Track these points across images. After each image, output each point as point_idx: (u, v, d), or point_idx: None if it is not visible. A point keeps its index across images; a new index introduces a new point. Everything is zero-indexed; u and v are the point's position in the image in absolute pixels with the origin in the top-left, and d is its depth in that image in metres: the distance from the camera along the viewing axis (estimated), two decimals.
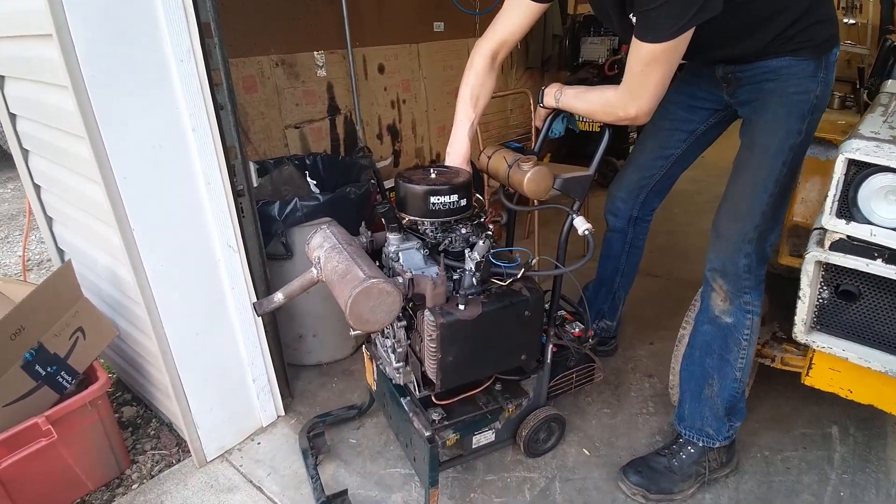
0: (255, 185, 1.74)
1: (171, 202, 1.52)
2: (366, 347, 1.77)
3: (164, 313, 1.58)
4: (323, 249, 1.41)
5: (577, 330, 1.82)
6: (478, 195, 1.61)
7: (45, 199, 2.00)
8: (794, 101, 1.31)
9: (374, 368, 1.76)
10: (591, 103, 1.41)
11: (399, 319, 1.41)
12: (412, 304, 1.43)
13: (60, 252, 2.10)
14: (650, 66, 1.22)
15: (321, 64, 2.59)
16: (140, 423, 2.06)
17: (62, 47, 1.26)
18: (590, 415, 1.97)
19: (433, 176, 1.43)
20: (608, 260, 1.99)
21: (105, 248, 1.70)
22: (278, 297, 1.41)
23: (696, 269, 3.07)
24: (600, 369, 1.89)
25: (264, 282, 1.86)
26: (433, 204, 1.38)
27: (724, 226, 1.43)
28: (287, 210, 1.89)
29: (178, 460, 1.87)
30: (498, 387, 1.60)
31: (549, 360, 1.66)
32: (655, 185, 1.81)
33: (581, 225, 1.44)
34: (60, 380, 1.63)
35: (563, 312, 1.85)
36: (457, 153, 1.56)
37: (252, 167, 1.71)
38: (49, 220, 2.04)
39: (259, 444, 1.90)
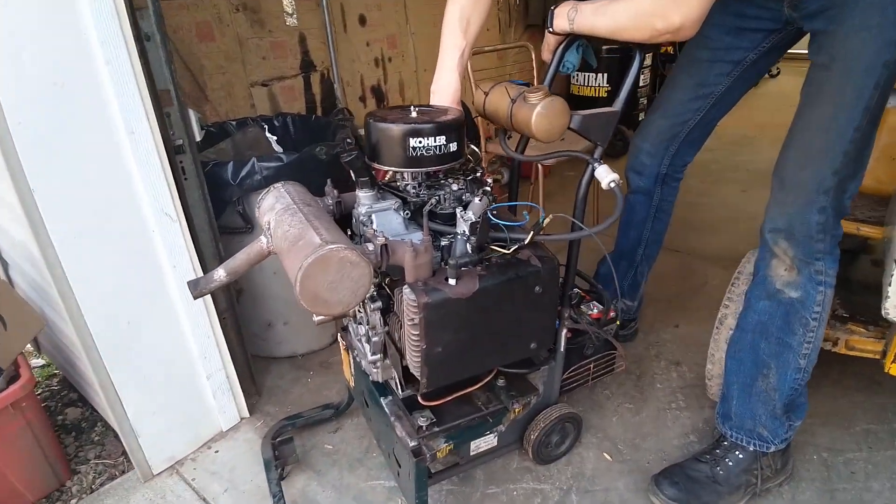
0: (198, 137, 1.41)
1: (81, 156, 1.19)
2: (341, 336, 1.46)
3: (81, 296, 1.26)
4: (274, 212, 1.10)
5: (595, 311, 1.51)
6: (473, 147, 1.30)
7: None
8: (890, 0, 0.98)
9: (351, 361, 1.45)
10: (618, 17, 1.07)
11: (373, 300, 1.10)
12: (389, 280, 1.11)
13: None
14: None
15: (291, 11, 2.25)
16: (84, 427, 1.76)
17: None
18: (609, 411, 1.67)
19: (414, 115, 1.11)
20: (630, 227, 1.68)
21: (14, 218, 1.38)
22: (219, 273, 1.09)
23: (718, 242, 2.78)
24: (623, 357, 1.58)
25: (217, 258, 1.54)
26: (414, 149, 1.05)
27: (792, 172, 1.11)
28: (243, 172, 1.57)
29: (123, 472, 1.57)
30: (501, 382, 1.29)
31: (562, 349, 1.36)
32: (689, 134, 1.49)
33: (605, 175, 1.12)
34: None
35: (577, 290, 1.53)
36: (444, 91, 1.23)
37: (194, 117, 1.38)
38: None
39: (216, 452, 1.60)
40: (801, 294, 1.16)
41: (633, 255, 1.72)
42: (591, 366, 1.53)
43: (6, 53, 1.06)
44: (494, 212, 1.04)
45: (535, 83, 2.55)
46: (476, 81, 2.16)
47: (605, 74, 3.67)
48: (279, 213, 1.08)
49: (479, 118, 1.35)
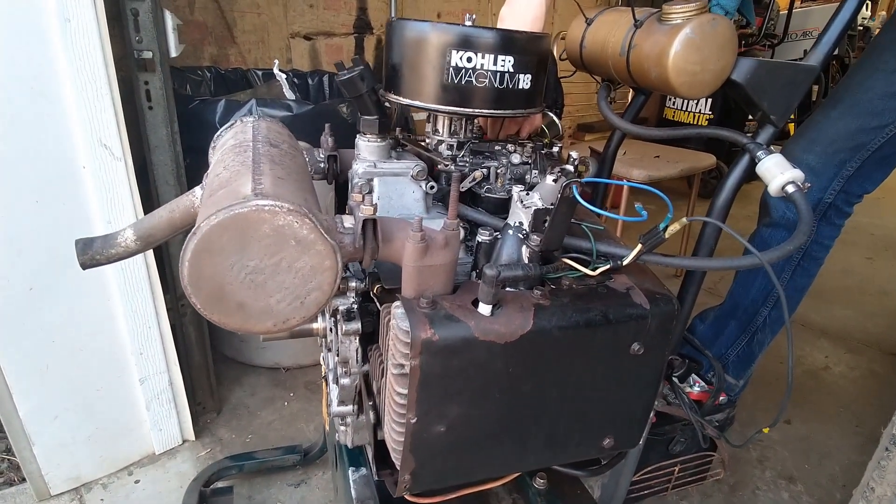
0: (174, 52, 1.02)
1: None
2: (322, 358, 1.03)
3: None
4: (223, 150, 0.69)
5: (696, 389, 1.00)
6: (553, 116, 0.85)
7: None
8: None
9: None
10: None
11: (348, 318, 0.65)
12: (380, 287, 0.66)
13: None
14: None
15: None
16: None
17: None
18: None
19: (468, 23, 0.66)
20: (755, 275, 1.16)
21: None
22: (126, 235, 0.69)
23: (842, 317, 2.07)
24: (723, 463, 1.06)
25: None
26: (458, 71, 0.61)
27: None
28: (237, 116, 1.17)
29: (23, 479, 1.18)
30: (540, 482, 0.80)
31: (641, 442, 0.86)
32: (882, 148, 0.98)
33: (779, 171, 0.63)
34: None
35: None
36: (520, 14, 0.79)
37: (171, 22, 1.00)
38: None
39: (137, 482, 1.19)
40: None
41: (752, 315, 1.19)
42: (677, 468, 1.02)
43: None
44: (586, 188, 0.58)
45: None
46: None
47: (710, 100, 3.14)
48: (225, 151, 0.67)
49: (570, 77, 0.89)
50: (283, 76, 1.38)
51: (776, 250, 0.58)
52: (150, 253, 1.07)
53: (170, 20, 1.00)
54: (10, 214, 0.91)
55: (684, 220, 0.57)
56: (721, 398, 1.01)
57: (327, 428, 1.11)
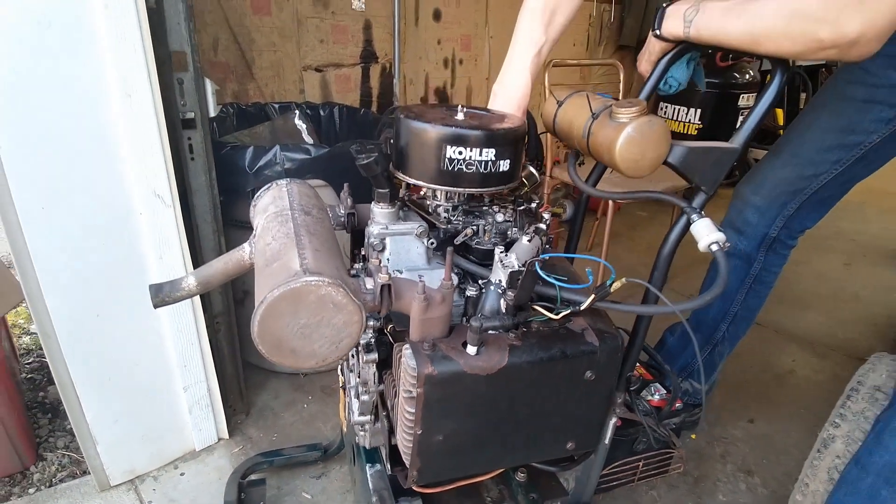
0: (212, 112, 1.20)
1: (63, 114, 1.00)
2: (340, 370, 1.21)
3: (44, 277, 1.07)
4: (265, 216, 0.86)
5: (657, 397, 1.18)
6: (531, 169, 1.02)
7: None
8: None
9: (347, 402, 1.20)
10: (763, 19, 0.76)
11: (368, 349, 0.83)
12: (393, 327, 0.84)
13: None
14: None
15: None
16: (62, 411, 1.59)
17: None
18: None
19: (459, 116, 0.84)
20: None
21: None
22: (188, 282, 0.87)
23: (812, 323, 2.29)
24: (682, 459, 1.24)
25: (216, 254, 1.32)
26: (452, 160, 0.79)
27: None
28: (262, 161, 1.35)
29: (85, 472, 1.38)
30: (521, 475, 0.99)
31: (608, 441, 1.04)
32: (818, 193, 1.15)
33: (706, 234, 0.81)
34: None
35: (637, 373, 1.21)
36: (509, 95, 0.97)
37: (211, 88, 1.18)
38: None
39: (182, 475, 1.38)
40: None
41: (713, 331, 1.37)
42: (641, 463, 1.21)
43: None
44: (547, 260, 0.75)
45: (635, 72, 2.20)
46: (551, 87, 1.88)
47: (699, 110, 3.28)
48: (269, 217, 0.84)
49: (548, 135, 1.07)
50: (304, 126, 1.56)
51: (693, 301, 0.76)
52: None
53: (209, 86, 1.18)
54: (81, 254, 1.10)
55: (623, 279, 0.75)
56: (677, 404, 1.18)
57: (344, 429, 1.30)
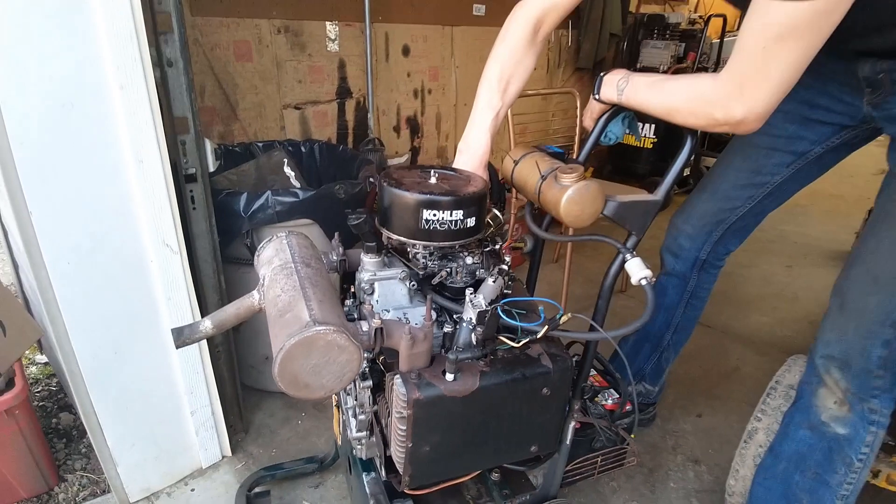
0: (211, 167, 1.35)
1: (84, 181, 1.14)
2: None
3: (70, 322, 1.21)
4: (271, 267, 1.01)
5: (609, 402, 1.38)
6: (496, 211, 1.19)
7: None
8: None
9: (341, 419, 1.35)
10: (673, 97, 0.96)
11: (363, 377, 1.00)
12: (384, 358, 1.01)
13: (4, 231, 1.76)
14: (782, 41, 0.78)
15: (334, 37, 2.20)
16: (75, 436, 1.72)
17: None
18: None
19: (432, 181, 1.01)
20: (658, 311, 1.54)
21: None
22: (205, 325, 1.01)
23: (756, 323, 2.58)
24: (635, 454, 1.43)
25: (217, 291, 1.47)
26: (427, 221, 0.96)
27: (856, 296, 0.97)
28: (256, 205, 1.50)
29: (104, 491, 1.52)
30: (495, 475, 1.17)
31: (568, 441, 1.23)
32: (736, 223, 1.36)
33: (637, 271, 1.00)
34: None
35: (593, 374, 1.41)
36: (472, 153, 1.14)
37: (210, 146, 1.32)
38: None
39: (192, 490, 1.52)
40: (849, 431, 1.01)
41: (659, 340, 1.58)
42: (599, 459, 1.39)
43: (13, 70, 1.02)
44: (506, 307, 0.93)
45: (577, 132, 2.43)
46: (514, 134, 2.07)
47: (654, 125, 3.53)
48: (275, 270, 1.00)
49: None
50: (293, 174, 1.71)
51: (625, 328, 0.95)
52: (197, 310, 1.40)
53: (209, 145, 1.33)
54: (102, 300, 1.23)
55: (569, 314, 0.93)
56: (627, 406, 1.37)
57: (339, 443, 1.46)
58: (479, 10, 2.81)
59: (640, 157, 3.56)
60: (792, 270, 3.01)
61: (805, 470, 1.08)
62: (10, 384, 1.38)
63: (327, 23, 2.17)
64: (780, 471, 1.13)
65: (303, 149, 2.00)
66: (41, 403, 1.81)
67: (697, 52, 3.55)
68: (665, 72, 3.51)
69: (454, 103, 2.87)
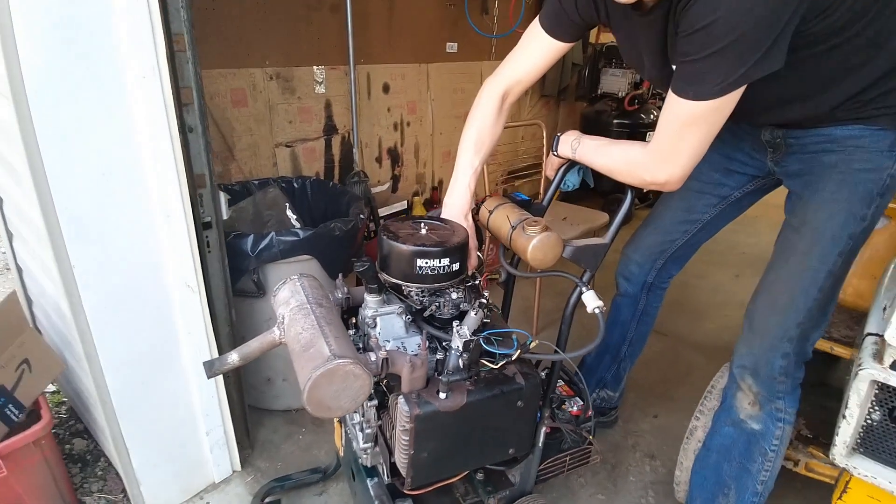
0: (225, 216, 1.53)
1: (119, 237, 1.32)
2: None
3: (105, 360, 1.38)
4: (289, 308, 1.21)
5: (575, 408, 1.61)
6: (478, 254, 1.41)
7: (6, 212, 1.80)
8: (860, 179, 1.11)
9: (343, 432, 1.55)
10: (614, 160, 1.21)
11: (370, 398, 1.20)
12: (386, 382, 1.22)
13: (19, 269, 1.90)
14: (688, 127, 1.02)
15: (321, 80, 2.40)
16: (89, 460, 1.86)
17: (4, 53, 1.08)
18: (581, 500, 1.75)
19: (423, 233, 1.23)
20: (615, 326, 1.78)
21: (51, 277, 1.50)
22: (232, 357, 1.20)
23: (706, 329, 2.88)
24: (598, 452, 1.67)
25: (228, 323, 1.65)
26: (421, 268, 1.17)
27: (761, 319, 1.22)
28: (261, 245, 1.69)
29: None
30: (480, 475, 1.39)
31: (540, 444, 1.45)
32: (676, 252, 1.61)
33: (591, 301, 1.23)
34: (8, 412, 1.44)
35: (561, 384, 1.63)
36: (455, 207, 1.36)
37: (223, 198, 1.51)
38: (10, 235, 1.84)
39: (208, 503, 1.69)
40: (761, 427, 1.26)
41: (617, 351, 1.82)
42: (567, 458, 1.62)
43: (61, 139, 1.19)
44: (487, 337, 1.15)
45: (545, 159, 2.68)
46: (488, 172, 2.29)
47: None
48: (293, 310, 1.19)
49: None
50: (294, 216, 1.90)
51: (582, 350, 1.17)
52: (213, 342, 1.58)
53: (222, 196, 1.52)
54: (132, 340, 1.41)
55: (537, 341, 1.16)
56: (590, 412, 1.60)
57: (341, 453, 1.65)
58: (451, 47, 3.05)
59: (603, 177, 3.83)
60: (739, 280, 3.31)
61: (731, 460, 1.33)
62: (31, 415, 1.52)
63: (315, 67, 2.37)
64: (712, 462, 1.38)
65: (295, 185, 2.19)
66: (54, 430, 1.94)
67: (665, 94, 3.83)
68: (623, 98, 3.81)
69: (431, 133, 3.09)
